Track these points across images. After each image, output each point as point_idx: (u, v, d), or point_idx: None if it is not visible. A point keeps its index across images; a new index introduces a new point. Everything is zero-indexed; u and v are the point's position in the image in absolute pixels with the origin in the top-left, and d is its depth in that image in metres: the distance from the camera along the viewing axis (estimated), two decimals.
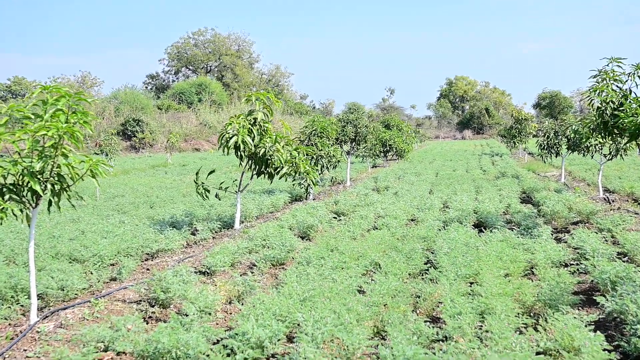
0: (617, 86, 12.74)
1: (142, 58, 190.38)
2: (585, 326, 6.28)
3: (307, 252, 10.30)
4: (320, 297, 7.39)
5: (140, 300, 8.53)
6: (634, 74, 12.47)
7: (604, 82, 12.74)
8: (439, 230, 12.89)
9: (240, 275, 9.11)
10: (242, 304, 7.78)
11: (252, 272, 9.76)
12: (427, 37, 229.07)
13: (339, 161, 21.06)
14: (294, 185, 16.32)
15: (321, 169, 20.41)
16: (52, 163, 7.14)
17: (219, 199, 14.90)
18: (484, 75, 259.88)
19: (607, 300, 7.10)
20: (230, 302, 8.35)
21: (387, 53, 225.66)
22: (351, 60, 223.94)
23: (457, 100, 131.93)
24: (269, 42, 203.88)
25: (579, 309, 7.72)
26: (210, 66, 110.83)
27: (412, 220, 15.12)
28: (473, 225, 13.87)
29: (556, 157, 26.30)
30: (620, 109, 12.30)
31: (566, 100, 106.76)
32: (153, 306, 8.19)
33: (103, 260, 10.27)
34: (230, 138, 12.94)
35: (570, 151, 22.12)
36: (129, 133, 58.99)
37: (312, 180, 14.46)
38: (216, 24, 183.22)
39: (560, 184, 23.15)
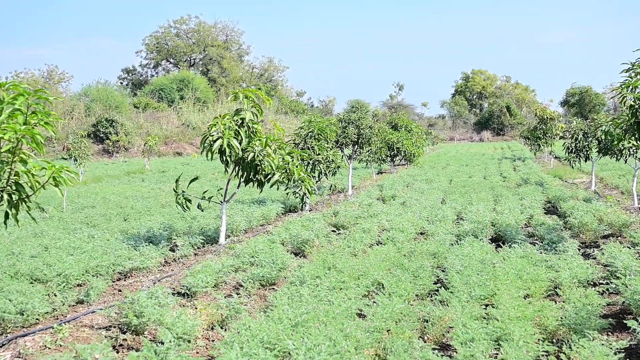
0: None
1: (116, 49, 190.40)
2: (615, 354, 6.30)
3: (301, 270, 10.32)
4: (314, 321, 7.39)
5: (110, 326, 8.53)
6: None
7: (638, 76, 12.76)
8: (451, 245, 12.91)
9: (225, 297, 9.10)
10: (226, 330, 7.79)
11: (238, 294, 9.77)
12: (441, 26, 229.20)
13: (339, 167, 21.08)
14: (287, 194, 16.31)
15: (319, 176, 20.43)
16: (9, 170, 7.14)
17: (202, 210, 14.92)
18: (504, 69, 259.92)
19: (639, 324, 7.10)
20: (212, 328, 8.36)
21: (395, 44, 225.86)
22: (355, 53, 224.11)
23: (475, 97, 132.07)
24: (261, 31, 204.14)
25: (608, 334, 7.74)
26: (194, 59, 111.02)
27: (421, 233, 15.15)
28: (490, 239, 13.87)
29: (585, 161, 26.31)
30: None
31: (598, 97, 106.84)
32: (125, 332, 8.18)
33: (69, 281, 10.27)
34: (215, 141, 12.94)
35: (601, 155, 22.15)
36: (102, 135, 58.94)
37: (307, 189, 14.46)
38: (201, 11, 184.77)
39: (590, 192, 23.18)
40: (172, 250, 13.59)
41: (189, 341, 7.62)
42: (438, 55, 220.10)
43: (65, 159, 27.06)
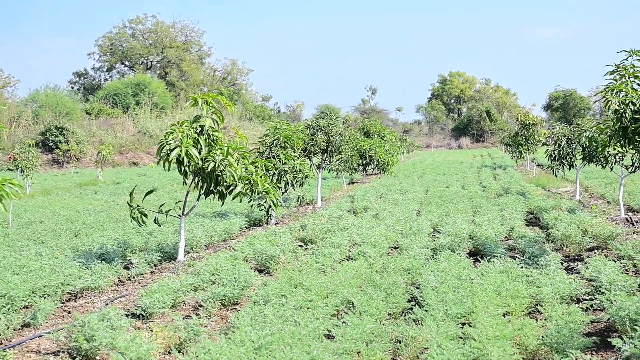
0: (639, 84, 12.92)
1: (67, 51, 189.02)
2: None
3: (266, 288, 10.33)
4: (279, 344, 7.41)
5: (59, 351, 8.49)
6: None
7: (623, 79, 12.92)
8: (427, 260, 12.96)
9: (183, 318, 9.07)
10: (184, 354, 7.77)
11: (197, 315, 9.73)
12: (417, 26, 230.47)
13: (307, 177, 21.09)
14: (252, 206, 16.31)
15: (285, 187, 20.43)
16: None
17: (159, 225, 14.85)
18: (484, 72, 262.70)
19: (624, 342, 7.18)
20: (169, 352, 8.34)
21: (368, 45, 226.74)
22: (325, 55, 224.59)
23: (452, 101, 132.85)
24: (224, 32, 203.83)
25: (592, 354, 7.84)
26: (151, 61, 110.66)
27: (394, 248, 15.21)
28: (468, 253, 13.97)
29: (570, 169, 26.51)
30: None
31: (583, 100, 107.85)
32: (74, 358, 8.15)
33: (14, 302, 10.17)
34: (172, 150, 12.90)
35: (585, 162, 22.36)
36: (51, 144, 58.52)
37: (272, 201, 14.45)
38: (158, 10, 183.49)
39: (575, 201, 23.41)
40: (126, 268, 13.52)
41: None
42: (414, 56, 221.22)
43: (12, 170, 26.90)
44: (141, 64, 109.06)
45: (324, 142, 25.65)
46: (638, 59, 12.93)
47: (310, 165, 24.71)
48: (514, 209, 20.21)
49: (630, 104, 12.49)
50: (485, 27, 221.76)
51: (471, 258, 13.26)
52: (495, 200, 23.60)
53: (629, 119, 12.51)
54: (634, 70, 12.88)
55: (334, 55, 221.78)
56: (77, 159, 58.96)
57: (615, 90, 12.78)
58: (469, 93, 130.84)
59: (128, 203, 13.60)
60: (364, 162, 36.60)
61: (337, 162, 31.31)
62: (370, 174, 43.04)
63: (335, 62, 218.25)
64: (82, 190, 34.64)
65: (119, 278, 12.76)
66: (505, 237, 16.18)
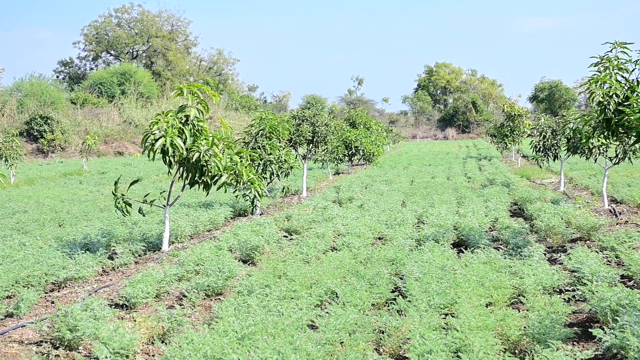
0: (623, 76, 12.98)
1: (52, 40, 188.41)
2: None
3: (250, 279, 10.34)
4: (262, 334, 7.42)
5: (42, 341, 8.47)
6: None
7: (607, 71, 12.97)
8: (411, 250, 13.00)
9: (167, 309, 9.07)
10: (167, 344, 7.77)
11: (181, 305, 9.72)
12: (404, 17, 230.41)
13: (292, 167, 21.07)
14: (237, 197, 16.30)
15: (270, 177, 20.41)
16: None
17: (144, 215, 14.82)
18: (470, 63, 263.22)
19: (605, 333, 7.23)
20: (153, 342, 8.34)
21: (355, 35, 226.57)
22: (311, 45, 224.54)
23: (439, 92, 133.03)
24: (210, 21, 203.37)
25: (573, 344, 7.88)
26: (137, 51, 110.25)
27: (379, 238, 15.25)
28: (452, 244, 14.01)
29: (554, 160, 26.62)
30: (626, 103, 12.52)
31: (568, 92, 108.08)
32: (57, 348, 8.13)
33: None
34: (156, 140, 12.88)
35: (570, 154, 22.43)
36: (36, 133, 58.26)
37: (257, 191, 14.43)
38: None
39: (559, 193, 23.50)
40: (110, 258, 13.49)
41: (127, 356, 7.59)
42: (400, 47, 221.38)
43: None
44: (127, 53, 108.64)
45: (309, 132, 25.66)
46: (622, 51, 12.99)
47: (296, 155, 24.68)
48: (498, 200, 20.26)
49: (614, 96, 12.55)
50: (471, 18, 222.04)
51: (455, 249, 13.31)
52: (480, 191, 23.66)
53: (612, 110, 12.56)
54: (618, 62, 12.93)
55: (321, 46, 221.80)
56: (61, 148, 58.75)
57: (599, 82, 12.84)
58: (455, 84, 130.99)
59: (113, 193, 13.56)
60: (349, 153, 36.62)
61: (323, 152, 31.26)
62: (356, 165, 43.08)
63: (322, 52, 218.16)
64: (67, 179, 34.54)
65: (103, 268, 12.73)
66: (490, 228, 16.23)
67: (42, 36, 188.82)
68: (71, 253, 12.96)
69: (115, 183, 13.56)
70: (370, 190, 25.35)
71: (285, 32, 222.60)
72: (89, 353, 7.90)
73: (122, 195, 13.52)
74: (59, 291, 11.26)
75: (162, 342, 8.19)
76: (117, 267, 12.91)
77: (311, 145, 26.60)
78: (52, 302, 10.53)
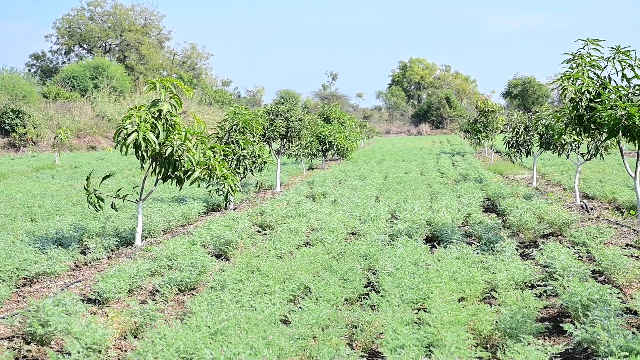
0: (595, 73, 13.10)
1: (24, 33, 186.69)
2: (550, 359, 6.46)
3: (223, 274, 10.34)
4: (235, 329, 7.42)
5: (13, 336, 8.42)
6: (614, 58, 12.84)
7: (579, 68, 13.08)
8: (384, 245, 13.04)
9: (140, 304, 9.05)
10: (139, 339, 7.75)
11: (154, 300, 9.73)
12: (378, 11, 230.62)
13: (265, 162, 21.05)
14: (210, 192, 16.29)
15: (244, 172, 20.39)
16: None
17: (116, 210, 14.75)
18: (444, 58, 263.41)
19: (576, 327, 7.29)
20: (125, 337, 8.31)
21: (329, 30, 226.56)
22: (285, 39, 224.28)
23: (413, 87, 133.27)
24: (183, 15, 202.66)
25: (544, 339, 7.95)
26: (110, 45, 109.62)
27: (352, 234, 15.27)
28: (425, 239, 14.06)
29: (527, 156, 26.79)
30: (598, 100, 12.64)
31: (542, 88, 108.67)
32: (29, 343, 8.09)
33: None
34: (129, 135, 12.84)
35: (542, 149, 22.56)
36: (7, 127, 57.73)
37: (231, 186, 14.43)
38: None
39: (532, 188, 23.65)
40: (83, 253, 13.43)
41: (99, 351, 7.56)
42: (374, 42, 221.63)
43: None
44: (100, 47, 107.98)
45: (283, 127, 25.63)
46: (594, 48, 13.10)
47: (270, 150, 24.69)
48: (471, 195, 20.35)
49: (586, 93, 12.66)
50: (445, 14, 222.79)
51: (428, 244, 13.37)
52: (453, 187, 23.77)
53: (584, 107, 12.67)
54: (590, 59, 13.05)
55: (295, 40, 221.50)
56: (34, 142, 58.28)
57: (571, 79, 12.94)
58: (429, 79, 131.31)
59: (85, 187, 13.50)
60: (323, 148, 36.66)
61: (297, 147, 31.34)
62: (330, 160, 43.08)
63: (296, 47, 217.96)
64: (39, 174, 34.29)
65: (75, 263, 12.66)
66: (463, 223, 16.32)
67: (13, 29, 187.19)
68: (43, 248, 12.88)
69: (88, 178, 13.50)
70: (343, 186, 25.38)
71: (259, 27, 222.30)
72: (61, 348, 7.87)
73: (95, 190, 13.47)
74: (30, 286, 11.20)
75: (135, 337, 8.15)
76: (90, 262, 12.85)
77: (285, 140, 26.58)
78: (24, 297, 10.46)
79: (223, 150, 15.08)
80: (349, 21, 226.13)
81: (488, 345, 7.73)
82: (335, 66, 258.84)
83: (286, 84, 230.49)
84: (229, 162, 19.46)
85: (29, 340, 8.15)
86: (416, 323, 8.02)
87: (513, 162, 28.09)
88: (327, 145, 36.60)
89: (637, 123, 11.75)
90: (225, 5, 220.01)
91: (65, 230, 14.59)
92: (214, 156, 14.08)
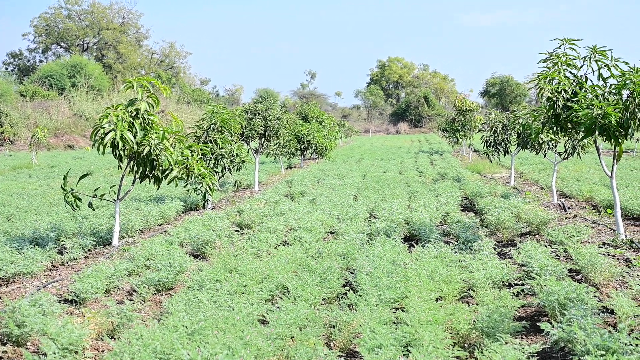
0: (571, 72, 13.16)
1: (0, 32, 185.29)
2: (527, 358, 6.48)
3: (201, 274, 10.29)
4: (212, 329, 7.39)
5: None
6: (591, 57, 12.91)
7: (556, 67, 13.14)
8: (362, 245, 13.05)
9: (117, 304, 8.99)
10: (116, 340, 7.71)
11: (131, 300, 9.67)
12: (356, 10, 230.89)
13: (244, 161, 21.01)
14: (188, 191, 16.24)
15: (222, 171, 20.34)
16: None
17: (94, 210, 14.68)
18: (422, 57, 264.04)
19: (553, 326, 7.31)
20: (102, 338, 8.26)
21: (308, 28, 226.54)
22: (264, 38, 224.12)
23: (391, 86, 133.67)
24: (161, 14, 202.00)
25: (522, 337, 7.97)
26: (88, 43, 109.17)
27: (330, 233, 15.26)
28: (403, 238, 14.08)
29: (505, 155, 26.89)
30: (574, 99, 12.70)
31: (519, 87, 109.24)
32: (5, 344, 8.02)
33: None
34: (106, 134, 12.77)
35: (519, 148, 22.64)
36: None
37: (209, 186, 14.39)
38: None
39: (509, 187, 23.73)
40: (60, 253, 13.35)
41: (76, 352, 7.51)
42: (353, 41, 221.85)
43: None
44: (77, 45, 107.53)
45: (261, 126, 25.63)
46: (571, 47, 13.16)
47: (248, 149, 24.62)
48: (449, 194, 20.40)
49: (562, 92, 12.72)
50: (423, 13, 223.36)
51: (406, 243, 13.37)
52: (432, 186, 23.83)
53: (561, 106, 12.74)
54: (566, 58, 13.11)
55: (274, 39, 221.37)
56: (10, 141, 57.96)
57: (548, 78, 12.99)
58: (407, 78, 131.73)
59: (62, 187, 13.41)
60: (301, 147, 36.66)
61: (275, 146, 31.33)
62: (308, 159, 43.10)
63: (275, 45, 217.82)
64: (16, 173, 34.13)
65: (52, 263, 12.58)
66: (441, 222, 16.34)
67: None
68: (20, 248, 12.79)
69: (65, 177, 13.41)
70: (322, 185, 25.38)
71: (239, 26, 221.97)
72: (37, 349, 7.81)
73: (72, 189, 13.38)
74: (7, 286, 11.11)
75: (112, 337, 8.12)
76: (67, 262, 12.78)
77: (263, 139, 26.59)
78: (0, 298, 10.40)
79: (201, 150, 15.04)
80: (327, 19, 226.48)
81: (465, 345, 7.74)
82: (314, 65, 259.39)
83: (265, 83, 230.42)
84: (207, 162, 19.43)
85: (5, 341, 8.09)
86: (394, 322, 8.02)
87: (491, 161, 28.18)
88: (306, 144, 36.61)
89: (613, 122, 11.83)
90: (203, 3, 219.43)
91: (42, 230, 14.50)
92: (192, 155, 14.03)
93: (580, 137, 14.87)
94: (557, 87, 12.71)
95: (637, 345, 6.41)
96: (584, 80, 12.97)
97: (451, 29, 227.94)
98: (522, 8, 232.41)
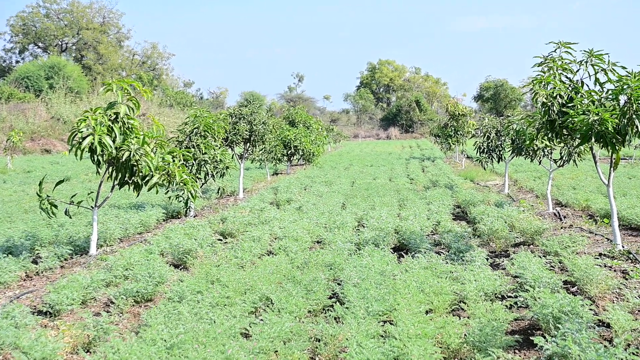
0: (567, 77, 13.16)
1: None
2: None
3: (181, 285, 10.24)
4: (192, 343, 7.36)
5: None
6: (587, 61, 12.92)
7: (551, 71, 13.13)
8: (350, 255, 13.02)
9: (93, 316, 8.94)
10: (92, 353, 7.67)
11: (108, 312, 9.62)
12: (346, 11, 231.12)
13: (228, 167, 20.97)
14: (170, 198, 16.19)
15: (205, 178, 20.30)
16: None
17: (70, 217, 14.62)
18: (414, 60, 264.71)
19: (547, 341, 7.29)
20: (77, 352, 8.21)
21: (296, 29, 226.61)
22: (250, 39, 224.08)
23: (382, 90, 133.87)
24: (143, 13, 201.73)
25: (514, 352, 7.95)
26: (67, 43, 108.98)
27: (317, 242, 15.23)
28: (392, 248, 14.07)
29: (498, 162, 26.90)
30: (570, 104, 12.71)
31: (514, 91, 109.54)
32: None
33: None
34: (84, 138, 12.72)
35: (514, 155, 22.68)
36: None
37: (191, 193, 14.35)
38: None
39: (503, 195, 23.74)
40: (35, 262, 13.29)
41: None
42: (342, 43, 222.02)
43: None
44: (56, 45, 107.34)
45: (246, 131, 25.59)
46: (566, 51, 13.17)
47: (232, 155, 24.58)
48: (441, 202, 20.41)
49: (558, 97, 12.73)
50: (415, 15, 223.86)
51: (396, 253, 13.36)
52: (423, 194, 23.83)
53: (556, 112, 12.75)
54: (562, 62, 13.12)
55: (260, 41, 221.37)
56: None
57: (543, 83, 13.00)
58: (398, 82, 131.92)
59: (37, 193, 13.35)
60: (288, 153, 36.66)
61: (261, 152, 31.31)
62: (295, 165, 43.12)
63: (262, 47, 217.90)
64: None
65: (26, 273, 12.51)
66: (432, 231, 16.34)
67: None
68: None
69: (40, 183, 13.34)
70: (309, 192, 25.36)
71: (224, 27, 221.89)
72: None
73: (48, 196, 13.32)
74: None
75: (87, 351, 8.08)
76: (42, 272, 12.70)
77: (248, 144, 26.52)
78: None
79: (183, 155, 15.01)
80: (317, 21, 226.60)
81: None
82: (301, 68, 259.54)
83: (251, 86, 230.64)
84: (190, 167, 19.38)
85: None
86: (382, 336, 8.01)
87: (484, 168, 28.21)
88: (293, 150, 36.61)
89: (610, 128, 11.83)
90: (187, 3, 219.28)
91: (17, 238, 14.42)
92: (174, 161, 14.00)
93: (576, 143, 14.86)
94: (553, 92, 12.73)
95: None
96: (580, 85, 12.98)
97: (444, 32, 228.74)
98: (517, 12, 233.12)
